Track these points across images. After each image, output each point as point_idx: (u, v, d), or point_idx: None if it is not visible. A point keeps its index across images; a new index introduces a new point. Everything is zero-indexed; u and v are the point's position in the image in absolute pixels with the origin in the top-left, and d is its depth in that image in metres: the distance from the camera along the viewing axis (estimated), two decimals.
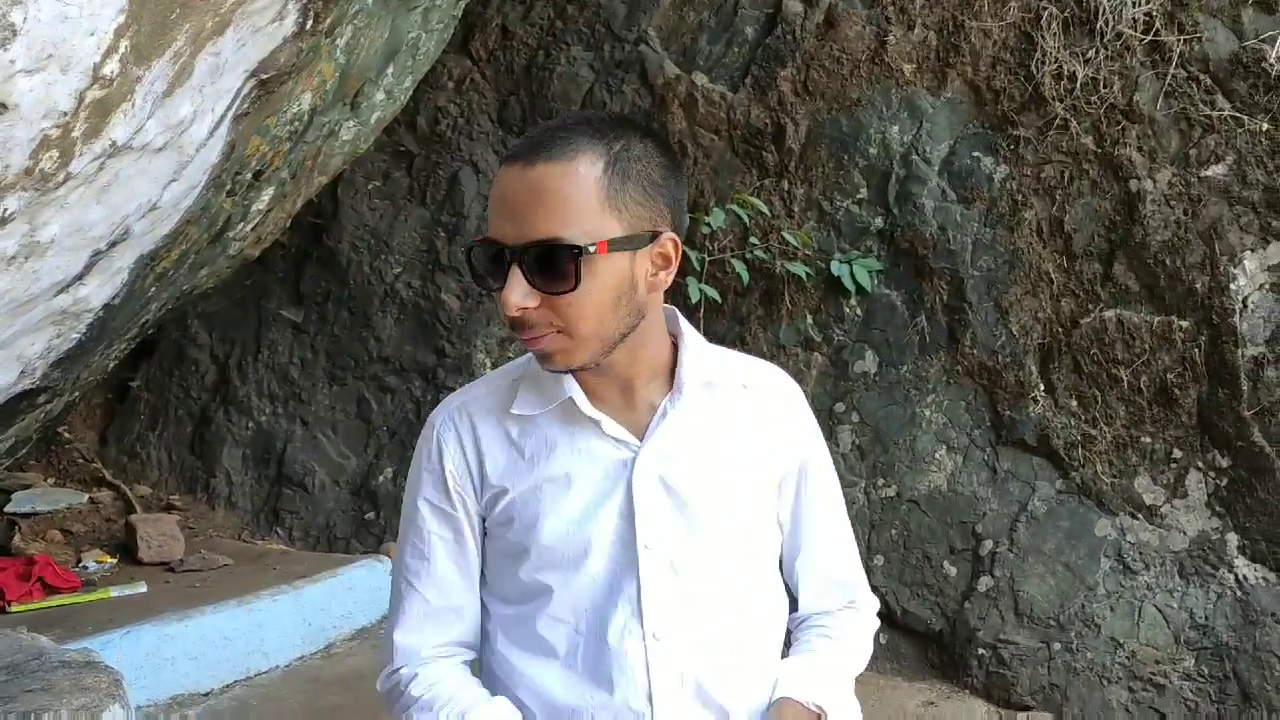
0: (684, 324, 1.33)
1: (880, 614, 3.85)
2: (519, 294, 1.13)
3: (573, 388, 1.26)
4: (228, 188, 2.58)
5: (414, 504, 1.33)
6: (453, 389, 4.34)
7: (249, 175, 2.65)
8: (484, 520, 1.31)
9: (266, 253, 4.12)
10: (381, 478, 4.28)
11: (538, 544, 1.25)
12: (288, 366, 4.49)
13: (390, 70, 3.16)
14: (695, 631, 1.26)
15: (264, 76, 2.19)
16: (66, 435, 4.75)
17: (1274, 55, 3.39)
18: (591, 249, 1.12)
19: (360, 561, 3.95)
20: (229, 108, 2.18)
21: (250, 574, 3.86)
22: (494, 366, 4.22)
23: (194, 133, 2.13)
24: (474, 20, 4.51)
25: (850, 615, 1.46)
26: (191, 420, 4.63)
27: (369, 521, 4.28)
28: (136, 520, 4.09)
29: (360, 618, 3.82)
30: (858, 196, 3.90)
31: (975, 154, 3.74)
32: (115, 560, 3.98)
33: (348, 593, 3.80)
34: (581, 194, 1.13)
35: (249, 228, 3.02)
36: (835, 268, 3.80)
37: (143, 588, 3.72)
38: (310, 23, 2.16)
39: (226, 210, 2.74)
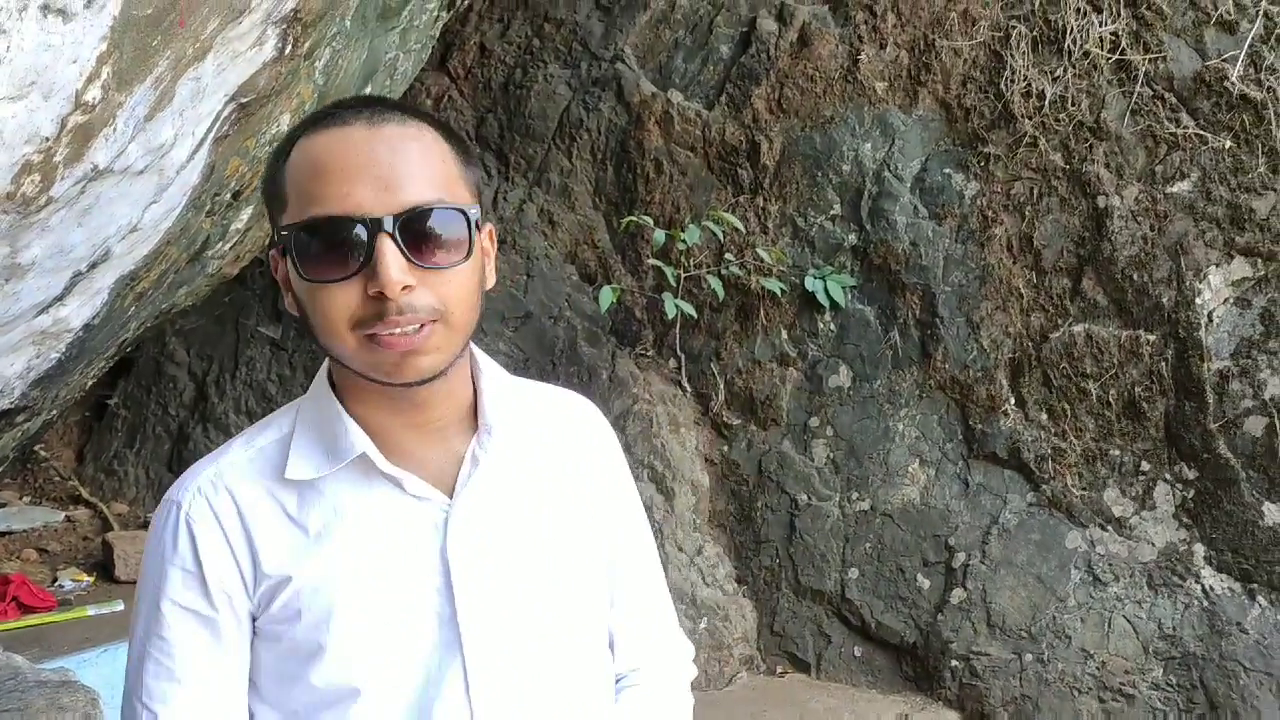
0: (477, 350, 1.12)
1: (855, 627, 3.89)
2: (399, 269, 0.94)
3: (363, 441, 1.04)
4: (207, 208, 2.60)
5: (153, 610, 1.04)
6: None
7: (228, 195, 2.67)
8: (254, 620, 1.05)
9: (245, 270, 4.13)
10: None
11: (337, 638, 1.01)
12: (266, 383, 4.50)
13: (368, 90, 3.19)
14: (533, 713, 1.07)
15: (244, 100, 2.22)
16: (43, 453, 4.73)
17: (1235, 74, 3.47)
18: (476, 214, 0.99)
19: None
20: (209, 130, 2.21)
21: None
22: None
23: (174, 155, 2.15)
24: (452, 38, 4.54)
25: (663, 668, 1.26)
26: (169, 437, 4.62)
27: None
28: (114, 538, 4.08)
29: None
30: (831, 213, 3.95)
31: (946, 171, 3.81)
32: (92, 578, 3.97)
33: None
34: (446, 160, 1.01)
35: (227, 247, 3.04)
36: (809, 283, 3.86)
37: (120, 606, 3.71)
38: (289, 47, 2.19)
39: (206, 230, 2.76)
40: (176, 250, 2.64)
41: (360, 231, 0.94)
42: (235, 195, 2.74)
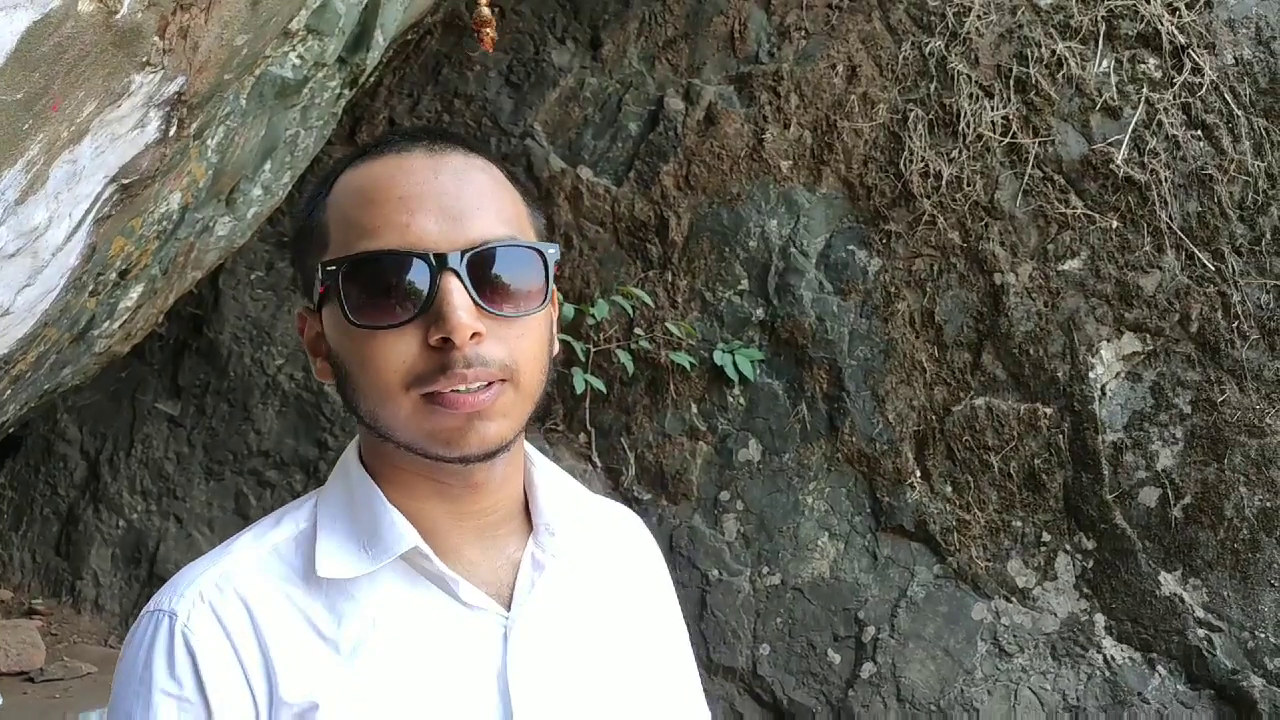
0: (523, 441, 0.96)
1: (767, 704, 3.84)
2: (468, 312, 0.79)
3: (413, 534, 0.85)
4: (90, 288, 2.52)
5: None
6: None
7: (113, 275, 2.59)
8: None
9: (143, 345, 4.01)
10: None
11: None
12: (163, 461, 4.34)
13: (268, 166, 3.14)
14: None
15: (126, 181, 2.16)
16: None
17: (1120, 158, 3.62)
18: (555, 256, 0.85)
19: None
20: (88, 212, 2.14)
21: None
22: None
23: (49, 238, 2.08)
24: (361, 112, 4.52)
25: None
26: (58, 519, 4.42)
27: None
28: None
29: None
30: (739, 288, 3.99)
31: (850, 247, 3.88)
32: None
33: None
34: (516, 201, 0.88)
35: (116, 325, 2.94)
36: (718, 357, 3.88)
37: None
38: (174, 129, 2.15)
39: (90, 310, 2.67)
40: (57, 332, 2.55)
41: (421, 268, 0.79)
42: (122, 274, 2.65)
